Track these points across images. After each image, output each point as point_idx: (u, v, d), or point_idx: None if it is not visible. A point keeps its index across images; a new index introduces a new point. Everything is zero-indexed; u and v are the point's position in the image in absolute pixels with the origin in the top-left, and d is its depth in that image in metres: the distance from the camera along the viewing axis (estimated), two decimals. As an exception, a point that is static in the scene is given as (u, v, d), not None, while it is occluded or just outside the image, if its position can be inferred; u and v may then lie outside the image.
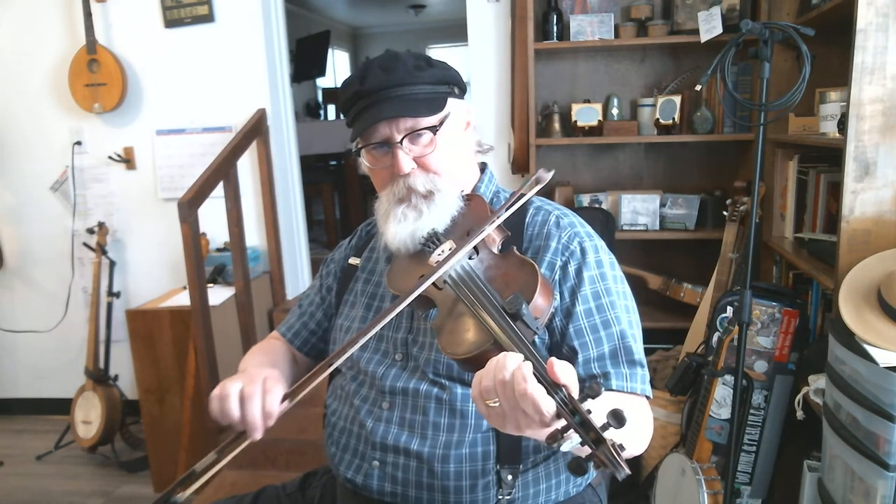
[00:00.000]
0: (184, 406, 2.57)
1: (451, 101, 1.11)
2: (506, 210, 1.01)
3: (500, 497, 1.05)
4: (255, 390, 0.95)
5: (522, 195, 1.03)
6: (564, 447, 0.71)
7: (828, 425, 1.49)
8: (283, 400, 0.96)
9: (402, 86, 1.06)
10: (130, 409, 3.10)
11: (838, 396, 1.44)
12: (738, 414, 1.89)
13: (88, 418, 2.99)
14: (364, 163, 1.14)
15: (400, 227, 1.06)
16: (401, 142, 1.06)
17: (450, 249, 1.03)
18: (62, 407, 3.23)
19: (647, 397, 1.05)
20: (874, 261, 1.56)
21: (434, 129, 1.07)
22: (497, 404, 0.77)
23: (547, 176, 1.04)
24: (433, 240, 1.06)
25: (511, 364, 0.76)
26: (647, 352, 1.12)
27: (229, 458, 0.95)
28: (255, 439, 0.95)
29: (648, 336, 1.28)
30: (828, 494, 1.52)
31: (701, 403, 1.96)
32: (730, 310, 2.01)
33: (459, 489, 1.05)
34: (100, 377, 3.02)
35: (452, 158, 1.11)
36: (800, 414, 1.75)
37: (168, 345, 2.68)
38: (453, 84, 1.13)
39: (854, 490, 1.41)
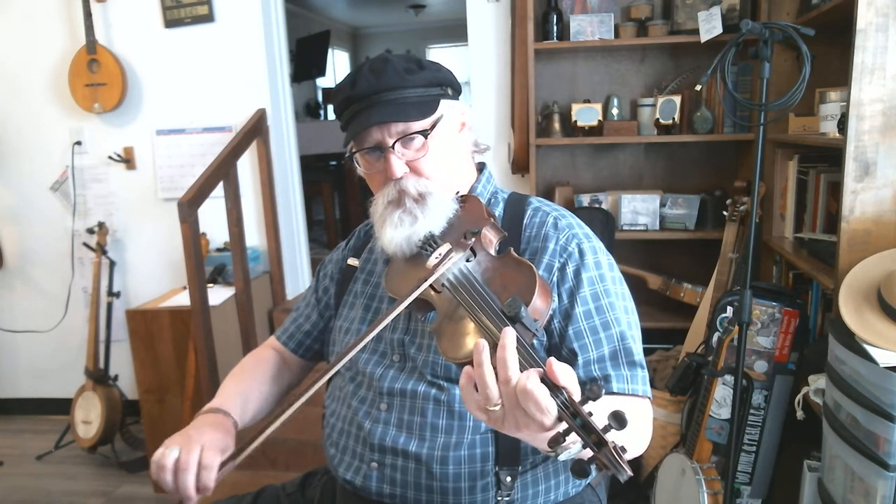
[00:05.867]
0: (184, 406, 2.57)
1: (443, 102, 1.10)
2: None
3: (500, 498, 1.05)
4: (191, 462, 0.98)
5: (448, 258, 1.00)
6: (563, 456, 0.71)
7: (828, 425, 1.49)
8: (221, 467, 0.99)
9: (392, 89, 1.05)
10: (130, 409, 3.10)
11: (838, 396, 1.44)
12: (738, 414, 1.89)
13: (88, 418, 2.99)
14: (359, 167, 1.14)
15: (396, 232, 1.06)
16: (393, 146, 1.06)
17: (447, 252, 1.03)
18: (62, 407, 3.23)
19: (648, 398, 1.05)
20: (874, 261, 1.55)
21: (426, 133, 1.07)
22: (497, 408, 0.77)
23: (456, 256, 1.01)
24: (430, 242, 1.06)
25: (511, 358, 0.76)
26: (647, 352, 1.13)
27: None
28: None
29: (648, 336, 1.29)
30: (828, 494, 1.52)
31: (701, 403, 1.96)
32: (730, 310, 2.01)
33: (458, 490, 1.05)
34: (100, 377, 3.02)
35: (445, 162, 1.10)
36: (800, 414, 1.75)
37: (168, 345, 2.69)
38: (446, 85, 1.11)
39: (854, 490, 1.41)
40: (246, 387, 1.23)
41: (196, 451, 0.99)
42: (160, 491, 2.77)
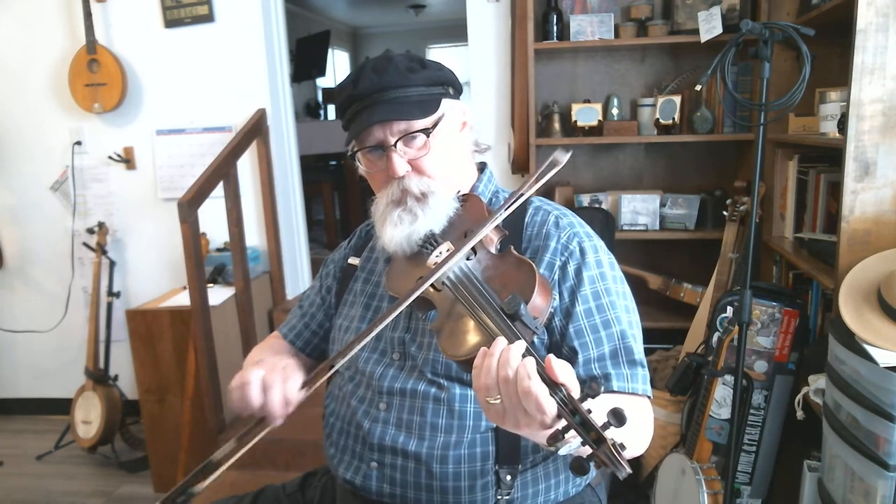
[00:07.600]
0: (184, 406, 2.57)
1: (445, 101, 1.11)
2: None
3: (499, 497, 1.05)
4: (276, 378, 0.99)
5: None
6: (563, 450, 0.71)
7: (828, 425, 1.49)
8: (301, 387, 1.00)
9: (394, 88, 1.06)
10: (130, 409, 3.10)
11: (838, 396, 1.44)
12: (738, 414, 1.89)
13: (88, 418, 2.99)
14: (360, 166, 1.14)
15: (396, 230, 1.06)
16: (395, 145, 1.06)
17: (447, 251, 1.03)
18: (62, 407, 3.23)
19: (648, 397, 1.05)
20: (874, 261, 1.56)
21: (427, 132, 1.07)
22: (498, 401, 0.77)
23: (563, 158, 1.01)
24: (431, 241, 1.06)
25: (515, 359, 0.76)
26: (647, 352, 1.13)
27: (249, 445, 0.98)
28: (275, 426, 0.99)
29: (648, 336, 1.28)
30: (828, 494, 1.52)
31: (701, 403, 1.96)
32: (730, 310, 2.01)
33: (458, 490, 1.05)
34: (100, 377, 3.02)
35: (447, 160, 1.10)
36: (800, 414, 1.75)
37: (168, 345, 2.69)
38: (447, 84, 1.12)
39: (854, 490, 1.41)
40: (278, 355, 1.21)
41: (279, 369, 1.00)
42: (160, 490, 2.77)
